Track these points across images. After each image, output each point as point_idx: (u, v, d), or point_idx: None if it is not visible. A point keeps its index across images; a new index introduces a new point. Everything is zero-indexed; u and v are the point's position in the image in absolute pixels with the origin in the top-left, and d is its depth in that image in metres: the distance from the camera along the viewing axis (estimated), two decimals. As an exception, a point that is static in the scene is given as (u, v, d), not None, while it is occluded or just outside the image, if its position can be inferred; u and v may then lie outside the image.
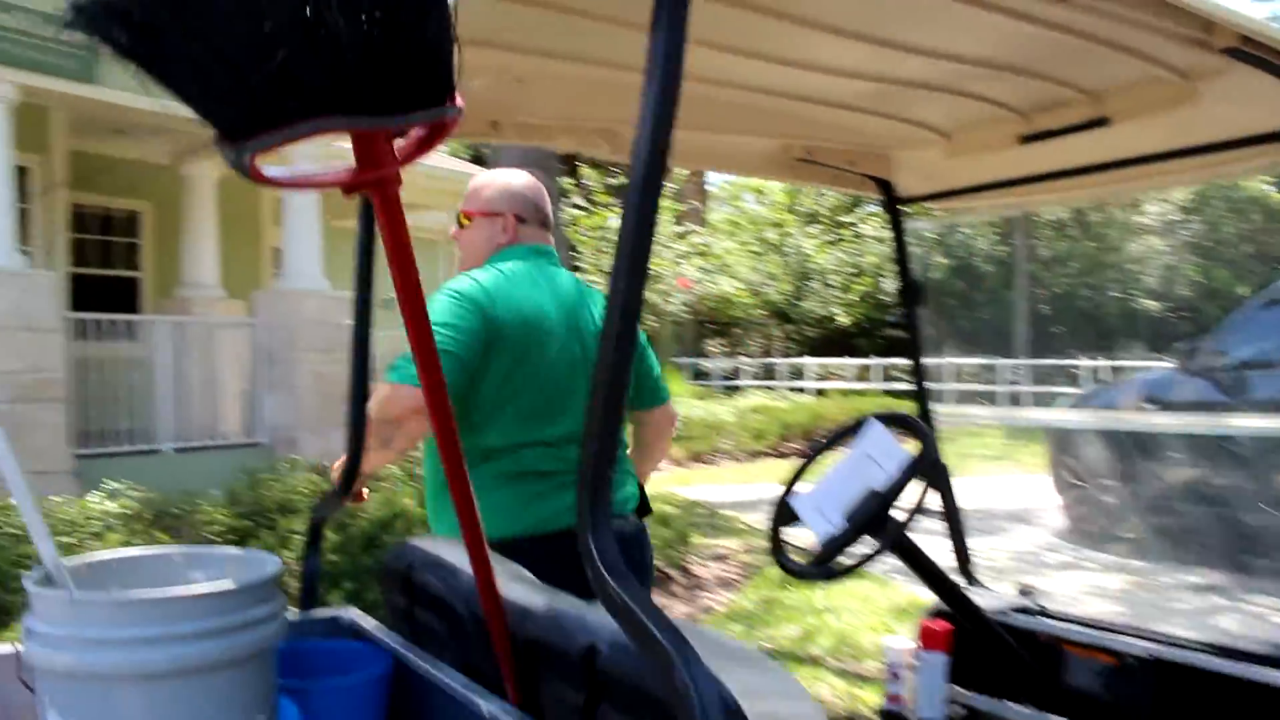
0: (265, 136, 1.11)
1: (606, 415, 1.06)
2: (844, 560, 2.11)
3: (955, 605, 2.33)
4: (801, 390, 23.21)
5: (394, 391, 2.24)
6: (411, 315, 1.32)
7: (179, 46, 1.06)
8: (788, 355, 27.28)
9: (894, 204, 2.84)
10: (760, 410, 17.43)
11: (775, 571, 7.18)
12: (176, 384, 9.64)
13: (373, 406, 2.17)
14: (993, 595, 2.64)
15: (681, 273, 21.86)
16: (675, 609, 6.42)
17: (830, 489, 2.17)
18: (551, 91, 2.18)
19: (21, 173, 9.17)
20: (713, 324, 27.91)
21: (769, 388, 23.56)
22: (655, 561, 6.77)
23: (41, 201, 9.94)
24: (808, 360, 25.56)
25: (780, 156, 2.69)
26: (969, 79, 2.17)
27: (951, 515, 2.77)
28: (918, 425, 2.25)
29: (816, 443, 2.46)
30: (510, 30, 1.81)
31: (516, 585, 1.64)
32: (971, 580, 2.77)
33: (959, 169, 2.66)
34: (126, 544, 6.25)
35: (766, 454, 15.47)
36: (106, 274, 12.00)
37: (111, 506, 6.79)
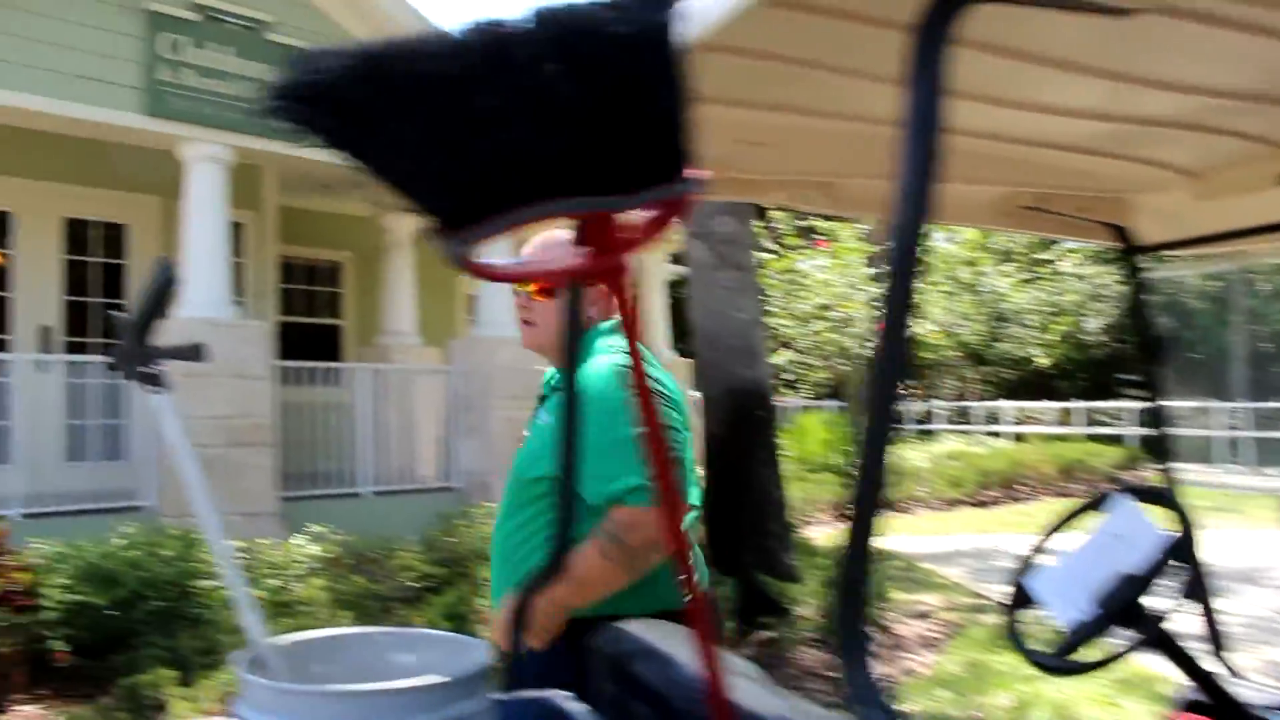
0: (486, 224, 0.99)
1: (865, 523, 0.93)
2: (1092, 652, 1.90)
3: (1220, 702, 2.08)
4: (998, 435, 22.36)
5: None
6: (645, 405, 1.19)
7: (391, 130, 0.95)
8: (983, 398, 26.33)
9: (1132, 253, 2.61)
10: (957, 456, 16.84)
11: (981, 632, 6.83)
12: (376, 429, 9.93)
13: (637, 537, 2.12)
14: (1256, 688, 2.35)
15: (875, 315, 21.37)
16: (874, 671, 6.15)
17: (1074, 570, 1.96)
18: (769, 145, 2.07)
19: (237, 228, 9.67)
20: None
21: (964, 432, 22.79)
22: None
23: (254, 255, 10.46)
24: (1004, 403, 24.63)
25: (1004, 205, 2.50)
26: (1223, 114, 1.94)
27: (1204, 596, 2.50)
28: (1173, 500, 2.02)
29: (1059, 518, 2.24)
30: (737, 87, 1.70)
31: (746, 686, 1.50)
32: (1230, 670, 2.49)
33: (1208, 213, 2.41)
34: (328, 589, 6.43)
35: (964, 502, 14.92)
36: (311, 322, 12.56)
37: (315, 550, 7.02)
